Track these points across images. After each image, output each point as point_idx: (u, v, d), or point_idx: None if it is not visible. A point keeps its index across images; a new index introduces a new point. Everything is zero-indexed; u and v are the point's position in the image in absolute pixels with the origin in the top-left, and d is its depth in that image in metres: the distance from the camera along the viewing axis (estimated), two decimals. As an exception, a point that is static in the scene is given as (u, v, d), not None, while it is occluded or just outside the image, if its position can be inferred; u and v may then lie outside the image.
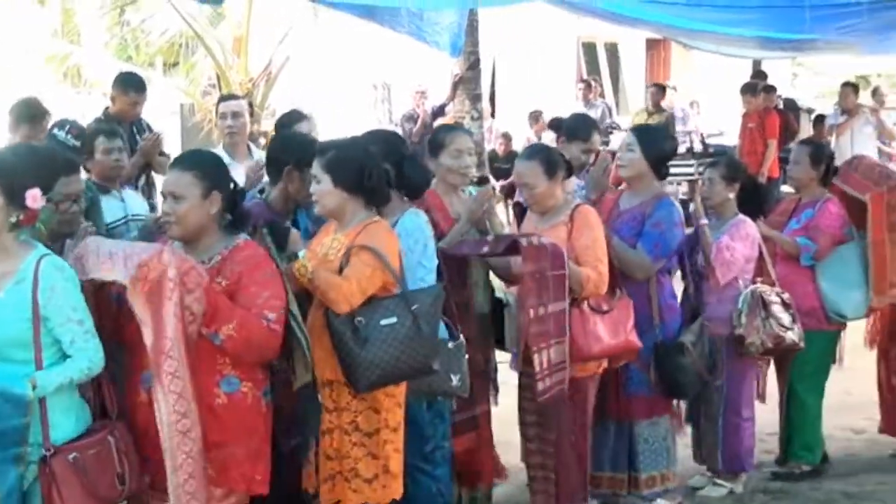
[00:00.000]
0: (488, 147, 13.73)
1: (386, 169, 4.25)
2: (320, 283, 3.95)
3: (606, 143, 14.12)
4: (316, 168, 4.16)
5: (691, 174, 13.21)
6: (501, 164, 14.00)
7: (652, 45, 19.92)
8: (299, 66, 14.14)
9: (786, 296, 5.45)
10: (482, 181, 6.41)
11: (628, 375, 5.13)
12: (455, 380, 4.38)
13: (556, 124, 5.98)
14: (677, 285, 5.58)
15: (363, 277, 4.00)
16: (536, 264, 4.57)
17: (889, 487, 5.71)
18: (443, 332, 4.41)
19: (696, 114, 17.24)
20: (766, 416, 5.97)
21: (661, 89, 15.13)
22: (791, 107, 15.43)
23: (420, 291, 4.16)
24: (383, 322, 4.01)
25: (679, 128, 15.46)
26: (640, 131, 5.46)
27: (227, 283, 3.70)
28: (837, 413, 6.34)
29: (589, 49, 19.52)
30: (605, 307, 4.82)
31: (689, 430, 5.72)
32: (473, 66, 10.60)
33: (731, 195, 5.53)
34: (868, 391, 6.43)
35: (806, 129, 15.08)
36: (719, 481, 5.57)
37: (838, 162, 6.20)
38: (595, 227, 4.83)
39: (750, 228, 5.47)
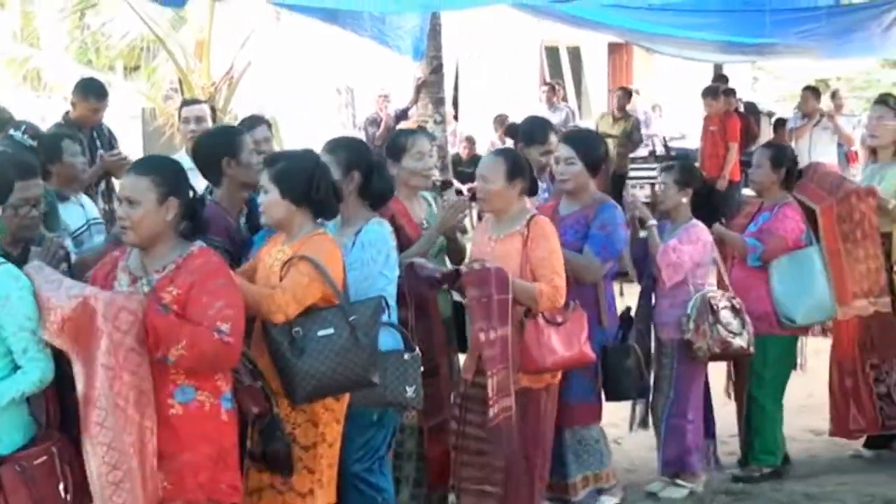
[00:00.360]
0: (452, 151, 13.74)
1: (334, 182, 4.22)
2: (248, 297, 3.89)
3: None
4: (264, 179, 4.16)
5: (653, 177, 13.25)
6: (465, 167, 13.99)
7: (614, 49, 20.01)
8: (262, 71, 14.09)
9: (737, 301, 5.45)
10: (445, 185, 6.39)
11: (568, 382, 5.08)
12: (410, 391, 4.34)
13: (512, 131, 5.98)
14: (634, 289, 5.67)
15: (299, 287, 3.97)
16: (481, 289, 4.57)
17: (849, 488, 5.75)
18: (398, 343, 4.39)
19: (658, 117, 17.34)
20: (730, 417, 6.01)
21: (626, 93, 15.17)
22: (752, 110, 15.51)
23: (359, 303, 4.13)
24: (320, 333, 3.97)
25: (642, 131, 15.54)
26: (574, 141, 5.39)
27: (179, 292, 3.65)
28: (798, 414, 6.39)
29: (551, 53, 19.57)
30: (559, 319, 4.79)
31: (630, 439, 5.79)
32: (436, 69, 10.61)
33: (685, 200, 5.54)
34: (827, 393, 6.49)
35: (766, 133, 15.16)
36: (680, 482, 5.58)
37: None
38: (551, 238, 4.81)
39: (701, 233, 5.48)
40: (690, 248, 5.40)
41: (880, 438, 6.24)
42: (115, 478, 3.48)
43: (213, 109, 6.84)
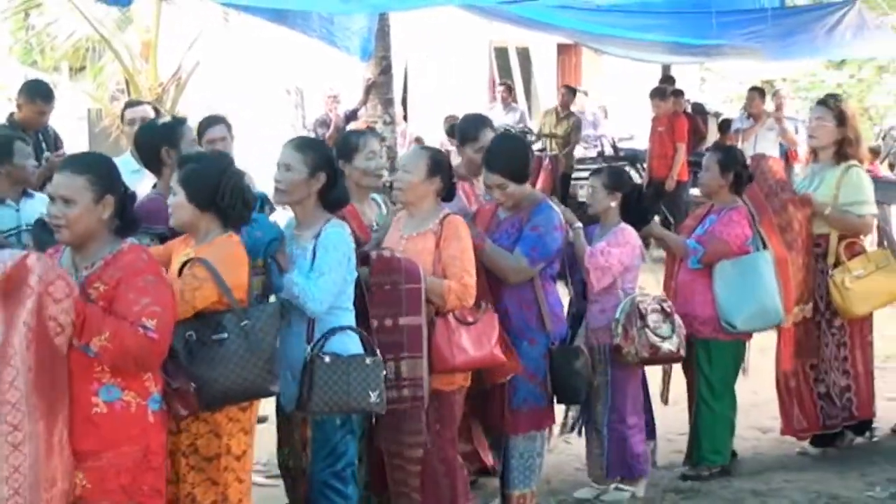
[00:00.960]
0: (401, 152, 13.72)
1: (245, 189, 4.12)
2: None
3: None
4: (173, 180, 4.13)
5: (602, 178, 13.34)
6: (414, 168, 14.00)
7: (563, 49, 20.08)
8: (210, 71, 13.99)
9: (667, 304, 5.44)
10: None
11: (514, 388, 5.04)
12: (373, 396, 4.33)
13: (451, 131, 5.98)
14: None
15: (188, 290, 3.92)
16: (385, 276, 4.55)
17: (796, 485, 5.82)
18: (359, 347, 4.39)
19: (605, 118, 17.43)
20: (680, 414, 6.06)
21: (571, 91, 15.25)
22: (699, 111, 15.66)
23: (256, 308, 4.07)
24: (214, 337, 3.93)
25: (590, 132, 15.62)
26: (490, 149, 5.26)
27: (106, 288, 3.63)
28: (745, 412, 6.43)
29: (501, 54, 19.61)
30: (470, 319, 4.73)
31: (578, 439, 5.75)
32: (385, 70, 10.57)
33: (614, 203, 5.51)
34: (774, 391, 6.54)
35: (714, 134, 15.32)
36: (621, 486, 5.55)
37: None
38: (464, 237, 4.76)
39: (629, 236, 5.45)
40: (619, 251, 5.38)
41: (825, 437, 6.31)
42: (15, 439, 3.45)
43: (156, 110, 6.78)
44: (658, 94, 13.75)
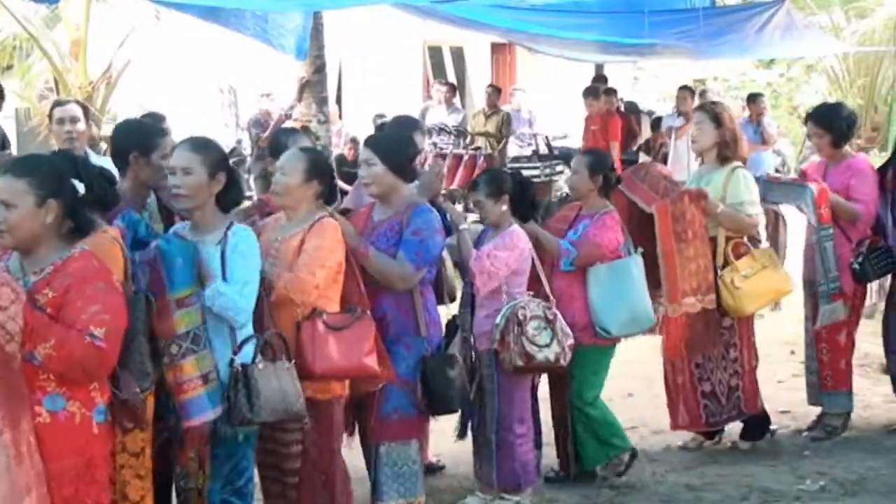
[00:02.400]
0: (336, 151, 13.68)
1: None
2: None
3: (458, 147, 14.27)
4: None
5: (537, 176, 13.41)
6: (350, 168, 13.95)
7: (497, 49, 20.14)
8: (141, 70, 13.83)
9: (551, 312, 5.30)
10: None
11: (385, 395, 4.88)
12: (301, 400, 4.28)
13: (380, 131, 5.89)
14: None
15: None
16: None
17: (728, 479, 5.89)
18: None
19: (536, 118, 17.51)
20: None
21: (496, 90, 15.34)
22: (632, 109, 15.82)
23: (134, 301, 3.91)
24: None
25: (525, 130, 15.68)
26: (375, 142, 5.15)
27: (55, 294, 3.55)
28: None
29: (435, 53, 19.63)
30: (341, 324, 4.54)
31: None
32: (319, 69, 10.49)
33: (504, 207, 5.35)
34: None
35: (646, 132, 15.47)
36: (505, 495, 5.40)
37: (673, 165, 6.40)
38: (326, 238, 4.56)
39: (519, 239, 5.30)
40: (506, 254, 5.23)
41: (752, 429, 6.35)
42: None
43: (85, 109, 6.68)
44: (591, 93, 13.85)
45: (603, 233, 5.62)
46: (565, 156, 14.36)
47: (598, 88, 14.14)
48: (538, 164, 13.96)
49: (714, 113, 6.13)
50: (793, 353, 8.16)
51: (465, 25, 11.60)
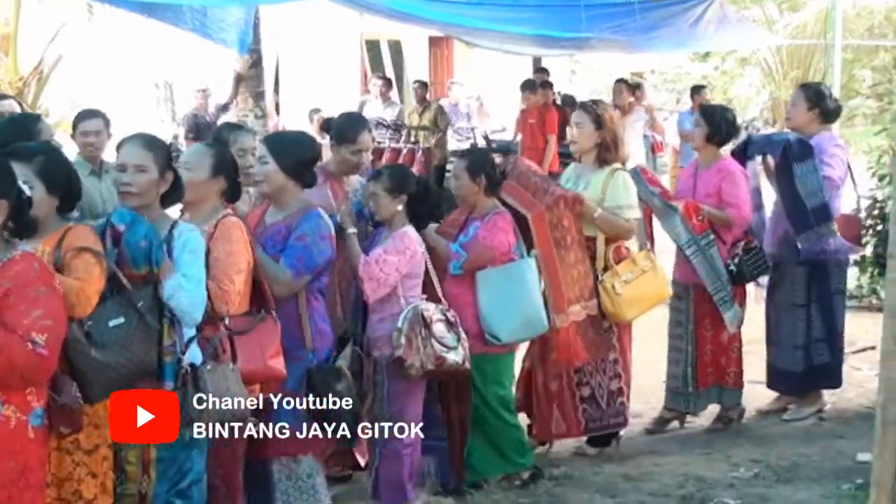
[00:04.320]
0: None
1: (22, 191, 3.73)
2: (64, 287, 3.68)
3: (396, 141, 14.27)
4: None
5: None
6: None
7: (435, 42, 20.17)
8: (74, 65, 13.65)
9: (451, 314, 5.11)
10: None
11: (272, 407, 4.61)
12: (245, 402, 4.23)
13: (327, 126, 5.82)
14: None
15: (94, 279, 3.82)
16: None
17: (665, 468, 5.96)
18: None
19: (482, 107, 17.56)
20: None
21: (423, 85, 15.37)
22: (569, 103, 15.84)
23: (139, 288, 3.96)
24: (112, 324, 3.84)
25: (463, 124, 15.72)
26: (272, 140, 4.97)
27: None
28: (616, 399, 6.57)
29: (372, 46, 19.61)
30: (243, 328, 4.38)
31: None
32: (256, 63, 10.45)
33: (400, 207, 5.13)
34: (645, 377, 6.70)
35: (584, 125, 15.53)
36: None
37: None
38: (234, 241, 4.41)
39: (410, 242, 5.07)
40: (397, 259, 5.00)
41: (602, 436, 6.17)
42: None
43: (20, 105, 6.60)
44: (528, 86, 13.91)
45: (493, 234, 5.42)
46: (503, 149, 14.41)
47: (535, 82, 14.21)
48: (383, 168, 13.98)
49: (595, 114, 5.96)
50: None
51: (403, 19, 11.58)
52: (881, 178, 9.04)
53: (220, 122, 12.76)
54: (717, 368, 6.47)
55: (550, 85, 14.54)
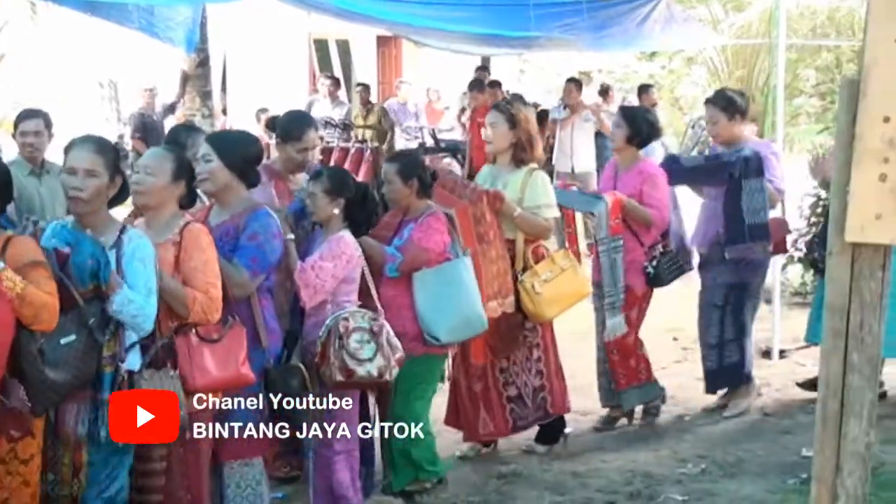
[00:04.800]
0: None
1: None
2: (34, 299, 3.67)
3: (345, 140, 14.24)
4: None
5: (424, 169, 13.43)
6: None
7: (383, 42, 20.14)
8: (17, 64, 13.50)
9: (377, 324, 4.93)
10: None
11: (228, 408, 4.53)
12: (184, 409, 4.18)
13: (272, 124, 5.78)
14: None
15: (55, 293, 3.80)
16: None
17: (613, 465, 5.99)
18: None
19: (438, 99, 17.58)
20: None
21: (366, 88, 15.35)
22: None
23: (91, 304, 3.93)
24: (63, 341, 3.82)
25: (411, 123, 15.71)
26: (215, 138, 4.90)
27: None
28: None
29: (321, 45, 19.54)
30: (215, 336, 4.35)
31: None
32: (203, 63, 10.41)
33: (337, 210, 5.07)
34: (591, 375, 6.74)
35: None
36: None
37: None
38: (207, 248, 4.38)
39: (346, 247, 5.00)
40: (332, 264, 4.93)
41: (551, 433, 6.19)
42: None
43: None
44: (476, 85, 13.94)
45: (428, 235, 5.36)
46: (452, 148, 14.43)
47: (483, 81, 14.24)
48: (322, 170, 13.96)
49: (510, 114, 5.91)
50: (675, 339, 8.37)
51: (351, 18, 11.56)
52: (824, 177, 9.15)
53: (166, 121, 12.70)
54: (629, 370, 6.48)
55: (499, 84, 14.57)
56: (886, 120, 2.94)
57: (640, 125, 6.43)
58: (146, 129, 12.98)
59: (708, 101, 6.91)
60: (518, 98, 16.35)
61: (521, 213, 5.82)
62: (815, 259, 6.93)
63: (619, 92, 21.48)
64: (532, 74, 24.10)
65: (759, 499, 5.27)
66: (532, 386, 6.02)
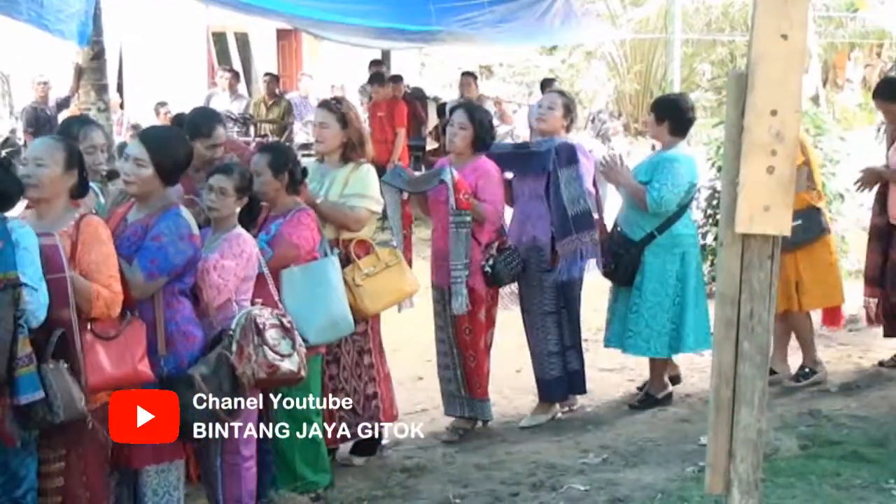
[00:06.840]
0: (118, 139, 13.31)
1: None
2: None
3: (244, 134, 14.11)
4: None
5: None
6: (133, 157, 13.61)
7: (283, 35, 19.99)
8: None
9: (287, 320, 4.85)
10: (112, 175, 6.08)
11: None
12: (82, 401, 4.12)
13: (179, 120, 5.68)
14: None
15: None
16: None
17: (516, 457, 6.03)
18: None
19: (343, 92, 17.48)
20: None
21: (275, 78, 15.22)
22: (418, 96, 15.95)
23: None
24: None
25: (312, 117, 15.61)
26: (150, 141, 4.63)
27: None
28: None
29: (219, 39, 19.32)
30: (111, 333, 4.25)
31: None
32: (98, 55, 10.17)
33: (238, 209, 4.99)
34: (500, 367, 6.76)
35: (433, 118, 15.65)
36: None
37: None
38: (106, 241, 4.29)
39: (246, 244, 4.89)
40: (234, 263, 4.81)
41: (368, 444, 5.99)
42: None
43: None
44: (376, 79, 13.91)
45: (299, 231, 5.25)
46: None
47: (383, 75, 14.21)
48: (230, 164, 13.92)
49: (340, 113, 5.76)
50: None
51: (248, 11, 11.48)
52: (719, 169, 9.32)
53: (60, 115, 12.44)
54: (482, 378, 6.40)
55: (400, 78, 14.57)
56: (774, 113, 3.00)
57: (479, 122, 6.32)
58: (39, 124, 12.69)
59: (550, 89, 6.80)
60: (418, 92, 16.44)
61: (324, 202, 5.63)
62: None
63: (520, 86, 21.67)
64: (433, 68, 24.13)
65: (659, 487, 5.35)
66: (363, 393, 5.82)
